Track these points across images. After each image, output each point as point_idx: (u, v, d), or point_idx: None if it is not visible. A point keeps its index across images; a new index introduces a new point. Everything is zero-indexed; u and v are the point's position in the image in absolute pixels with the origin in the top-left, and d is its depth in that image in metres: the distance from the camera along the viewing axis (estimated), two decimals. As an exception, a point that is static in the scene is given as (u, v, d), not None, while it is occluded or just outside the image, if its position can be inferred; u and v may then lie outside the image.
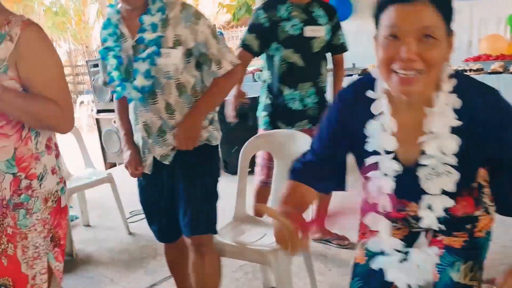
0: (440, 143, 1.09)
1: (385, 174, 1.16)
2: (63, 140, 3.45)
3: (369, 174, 1.19)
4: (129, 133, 1.81)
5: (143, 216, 3.42)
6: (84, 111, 10.11)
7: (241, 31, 13.82)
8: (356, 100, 1.18)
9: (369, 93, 1.14)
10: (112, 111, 5.03)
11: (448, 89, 1.08)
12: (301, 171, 1.27)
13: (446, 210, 1.15)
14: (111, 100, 5.01)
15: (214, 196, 1.80)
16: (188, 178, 1.73)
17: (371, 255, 1.27)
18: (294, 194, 1.24)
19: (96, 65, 5.01)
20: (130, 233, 3.17)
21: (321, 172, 1.26)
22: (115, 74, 1.70)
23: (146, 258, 2.81)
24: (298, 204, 1.21)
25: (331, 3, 5.51)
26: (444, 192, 1.13)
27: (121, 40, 1.67)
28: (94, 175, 3.15)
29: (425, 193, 1.14)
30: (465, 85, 1.09)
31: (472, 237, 1.23)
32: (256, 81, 4.85)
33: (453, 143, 1.08)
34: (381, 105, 1.13)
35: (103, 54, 1.71)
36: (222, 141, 4.47)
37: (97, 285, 2.53)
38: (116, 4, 1.69)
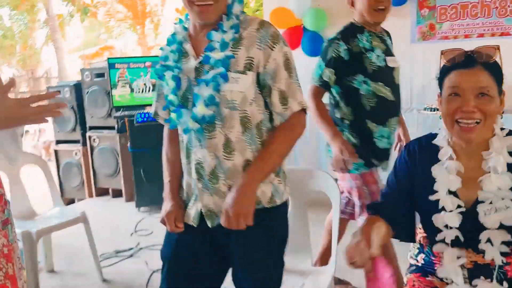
0: (498, 180, 1.27)
1: (450, 211, 1.31)
2: (27, 174, 3.12)
3: (434, 216, 1.34)
4: (175, 180, 1.50)
5: (118, 259, 3.14)
6: (29, 141, 9.26)
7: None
8: (421, 151, 1.40)
9: (436, 141, 1.36)
10: (73, 141, 4.70)
11: (502, 134, 1.29)
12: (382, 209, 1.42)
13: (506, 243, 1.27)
14: (74, 129, 4.70)
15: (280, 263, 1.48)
16: (247, 244, 1.40)
17: None
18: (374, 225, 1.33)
19: (97, 75, 4.59)
20: (104, 280, 2.83)
21: (398, 216, 1.41)
22: (171, 98, 1.41)
23: (127, 309, 2.49)
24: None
25: (303, 41, 5.60)
26: (502, 227, 1.26)
27: (183, 59, 1.40)
28: (66, 215, 2.81)
29: (484, 228, 1.28)
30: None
31: None
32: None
33: (509, 179, 1.26)
34: (447, 151, 1.33)
35: (160, 73, 1.44)
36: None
37: None
38: (185, 21, 1.45)
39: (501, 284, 1.30)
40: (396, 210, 1.41)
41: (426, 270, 1.46)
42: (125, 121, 4.18)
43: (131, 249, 3.32)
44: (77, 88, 4.57)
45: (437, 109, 4.01)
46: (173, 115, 1.41)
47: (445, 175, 1.31)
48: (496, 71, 1.26)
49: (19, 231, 2.57)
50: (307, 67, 5.97)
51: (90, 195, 4.70)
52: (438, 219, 1.33)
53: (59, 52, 13.79)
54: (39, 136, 9.06)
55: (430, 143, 1.38)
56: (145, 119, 4.15)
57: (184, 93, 1.40)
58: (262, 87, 1.37)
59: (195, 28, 1.40)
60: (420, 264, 1.50)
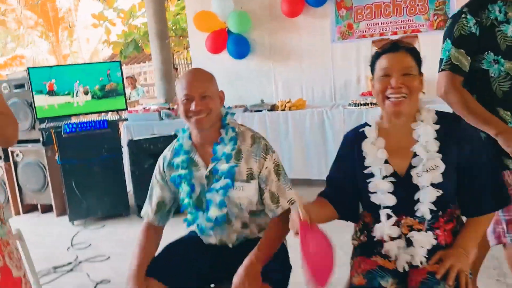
0: (427, 145, 1.46)
1: (384, 177, 1.49)
2: None
3: (370, 184, 1.51)
4: (144, 267, 1.63)
5: (57, 275, 3.02)
6: None
7: (127, 69, 13.39)
8: (357, 137, 1.59)
9: (366, 128, 1.58)
10: (32, 141, 4.34)
11: (428, 109, 1.50)
12: (328, 193, 1.61)
13: (435, 202, 1.44)
14: (33, 127, 4.31)
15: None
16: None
17: (370, 277, 1.47)
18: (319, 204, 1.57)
19: (16, 86, 4.27)
20: (45, 299, 2.70)
21: (341, 197, 1.60)
22: (187, 201, 1.68)
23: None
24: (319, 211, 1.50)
25: (228, 43, 5.68)
26: (433, 185, 1.44)
27: (193, 167, 1.68)
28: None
29: (418, 189, 1.46)
30: (440, 113, 1.52)
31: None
32: (163, 119, 4.67)
33: (435, 145, 1.46)
34: (372, 129, 1.56)
35: (177, 181, 1.70)
36: (134, 185, 4.16)
37: None
38: (187, 129, 1.73)
39: (433, 252, 1.46)
40: (339, 192, 1.60)
41: (369, 250, 1.59)
42: (51, 132, 3.99)
43: (70, 263, 3.19)
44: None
45: (361, 104, 4.29)
46: (189, 217, 1.71)
47: (372, 149, 1.52)
48: (416, 55, 1.48)
49: None
50: (233, 69, 6.12)
51: (17, 213, 4.42)
52: (371, 187, 1.51)
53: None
54: None
55: (364, 130, 1.59)
56: (73, 129, 3.99)
57: (198, 197, 1.67)
58: (260, 190, 1.67)
59: (198, 139, 1.69)
60: (361, 242, 1.63)
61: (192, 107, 1.58)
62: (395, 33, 5.39)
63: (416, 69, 1.47)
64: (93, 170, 4.05)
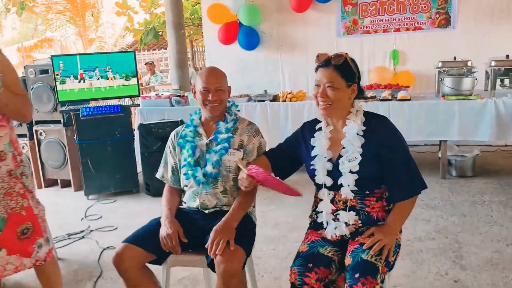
0: (352, 140, 1.79)
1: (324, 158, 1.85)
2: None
3: (313, 166, 1.87)
4: (173, 209, 2.09)
5: (70, 241, 3.43)
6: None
7: (148, 54, 13.83)
8: (310, 127, 1.95)
9: (320, 123, 1.93)
10: (20, 136, 4.82)
11: (355, 112, 1.83)
12: (272, 155, 2.04)
13: (357, 184, 1.77)
14: (20, 124, 4.80)
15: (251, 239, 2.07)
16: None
17: (312, 246, 1.81)
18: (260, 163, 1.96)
19: (41, 72, 4.68)
20: (59, 259, 3.12)
21: (281, 162, 2.02)
22: (189, 160, 2.09)
23: (82, 281, 2.81)
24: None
25: (239, 35, 5.97)
26: (351, 172, 1.77)
27: (197, 138, 2.13)
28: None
29: (341, 174, 1.80)
30: (365, 112, 1.85)
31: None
32: (174, 106, 5.02)
33: (359, 140, 1.78)
34: (322, 124, 1.91)
35: (182, 144, 2.14)
36: (144, 165, 4.56)
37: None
38: (199, 113, 2.20)
39: (367, 224, 1.79)
40: (280, 158, 2.03)
41: (318, 225, 1.92)
42: (71, 115, 4.41)
43: (82, 231, 3.62)
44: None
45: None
46: (189, 172, 2.08)
47: (321, 139, 1.88)
48: (343, 70, 1.75)
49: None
50: (243, 59, 6.43)
51: (40, 186, 4.88)
52: (316, 169, 1.86)
53: (-5, 46, 13.33)
54: None
55: (315, 124, 1.92)
56: (90, 112, 4.40)
57: (197, 159, 2.10)
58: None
59: (206, 119, 2.16)
60: (313, 219, 1.96)
61: (209, 97, 2.04)
62: (397, 29, 5.60)
63: (342, 83, 1.75)
64: (107, 150, 4.47)
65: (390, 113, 4.33)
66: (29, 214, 2.01)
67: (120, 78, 4.66)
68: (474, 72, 4.33)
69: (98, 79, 4.60)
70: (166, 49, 12.46)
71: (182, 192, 2.20)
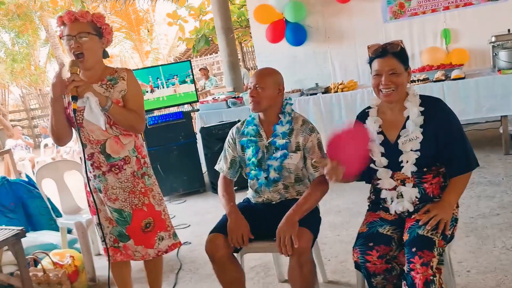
0: (412, 122, 1.89)
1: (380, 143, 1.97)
2: (70, 178, 3.71)
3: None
4: (235, 204, 2.24)
5: None
6: (49, 153, 10.02)
7: (201, 60, 14.33)
8: (362, 115, 2.08)
9: (370, 110, 2.05)
10: None
11: (414, 94, 1.94)
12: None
13: (417, 163, 1.88)
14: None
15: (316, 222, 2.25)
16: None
17: (371, 226, 1.94)
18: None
19: None
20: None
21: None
22: (253, 160, 2.25)
23: (165, 273, 3.08)
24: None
25: (286, 32, 6.12)
26: (412, 151, 1.88)
27: (258, 138, 2.27)
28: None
29: (401, 153, 1.91)
30: (420, 96, 1.96)
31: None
32: (230, 107, 5.27)
33: (419, 121, 1.89)
34: (373, 111, 2.02)
35: (245, 144, 2.28)
36: (208, 166, 4.85)
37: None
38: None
39: (424, 201, 1.89)
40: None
41: (376, 206, 2.05)
42: (139, 124, 4.78)
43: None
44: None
45: (412, 81, 4.53)
46: (253, 173, 2.27)
47: (372, 124, 1.99)
48: (401, 56, 1.88)
49: (71, 222, 3.21)
50: (292, 55, 6.55)
51: (116, 193, 5.33)
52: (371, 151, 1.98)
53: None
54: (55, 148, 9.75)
55: (368, 111, 2.05)
56: (155, 121, 4.76)
57: (260, 159, 2.25)
58: (305, 159, 2.22)
59: (262, 119, 2.29)
60: (371, 201, 2.09)
61: (249, 94, 2.23)
62: (446, 7, 5.48)
63: (401, 68, 1.87)
64: (173, 154, 4.82)
65: (445, 94, 4.31)
66: (150, 210, 2.26)
67: (180, 85, 5.00)
68: (530, 43, 4.21)
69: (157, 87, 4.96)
70: (217, 53, 12.88)
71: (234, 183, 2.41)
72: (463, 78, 4.33)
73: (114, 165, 2.20)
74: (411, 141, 1.89)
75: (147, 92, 4.88)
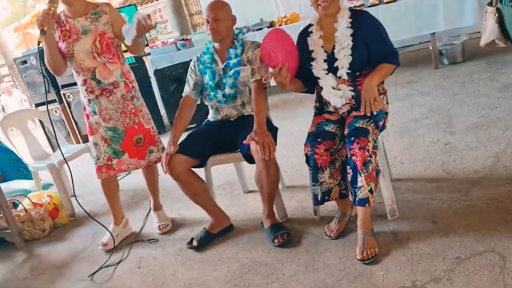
0: (343, 31, 2.17)
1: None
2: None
3: (313, 62, 2.26)
4: (180, 132, 2.53)
5: (119, 176, 3.96)
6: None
7: (142, 9, 13.92)
8: (304, 34, 2.32)
9: (311, 27, 2.30)
10: (50, 102, 5.30)
11: (344, 9, 2.21)
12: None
13: (350, 67, 2.19)
14: (48, 91, 5.26)
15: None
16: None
17: (318, 126, 2.24)
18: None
19: (24, 62, 5.22)
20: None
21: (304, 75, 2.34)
22: (210, 83, 2.53)
23: (139, 201, 3.40)
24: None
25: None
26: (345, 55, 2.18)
27: (213, 64, 2.55)
28: (73, 149, 3.61)
29: (337, 60, 2.20)
30: (351, 10, 2.24)
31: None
32: (180, 49, 5.40)
33: (349, 31, 2.16)
34: (314, 27, 2.28)
35: (202, 71, 2.56)
36: (166, 107, 4.96)
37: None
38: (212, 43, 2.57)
39: (359, 101, 2.20)
40: (302, 72, 2.31)
41: (321, 111, 2.39)
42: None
43: (127, 169, 4.19)
44: (41, 54, 5.07)
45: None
46: (212, 94, 2.55)
47: (314, 39, 2.26)
48: None
49: (44, 165, 3.38)
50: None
51: (77, 143, 5.46)
52: (313, 64, 2.26)
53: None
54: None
55: (307, 29, 2.32)
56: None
57: (217, 82, 2.53)
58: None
59: (218, 48, 2.54)
60: (317, 107, 2.42)
61: (208, 26, 2.44)
62: None
63: None
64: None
65: (380, 17, 4.64)
66: (140, 127, 2.67)
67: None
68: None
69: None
70: (158, 0, 12.57)
71: (197, 106, 2.65)
72: (395, 0, 4.67)
73: (104, 89, 2.57)
74: (344, 48, 2.19)
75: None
